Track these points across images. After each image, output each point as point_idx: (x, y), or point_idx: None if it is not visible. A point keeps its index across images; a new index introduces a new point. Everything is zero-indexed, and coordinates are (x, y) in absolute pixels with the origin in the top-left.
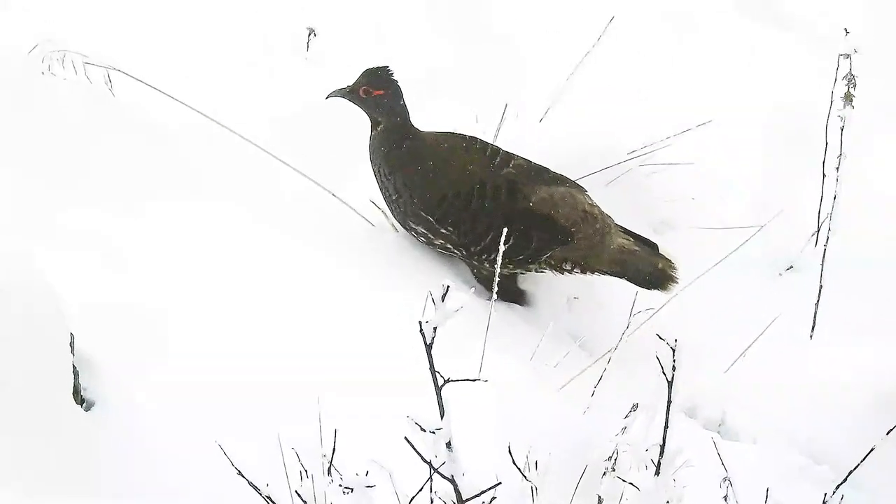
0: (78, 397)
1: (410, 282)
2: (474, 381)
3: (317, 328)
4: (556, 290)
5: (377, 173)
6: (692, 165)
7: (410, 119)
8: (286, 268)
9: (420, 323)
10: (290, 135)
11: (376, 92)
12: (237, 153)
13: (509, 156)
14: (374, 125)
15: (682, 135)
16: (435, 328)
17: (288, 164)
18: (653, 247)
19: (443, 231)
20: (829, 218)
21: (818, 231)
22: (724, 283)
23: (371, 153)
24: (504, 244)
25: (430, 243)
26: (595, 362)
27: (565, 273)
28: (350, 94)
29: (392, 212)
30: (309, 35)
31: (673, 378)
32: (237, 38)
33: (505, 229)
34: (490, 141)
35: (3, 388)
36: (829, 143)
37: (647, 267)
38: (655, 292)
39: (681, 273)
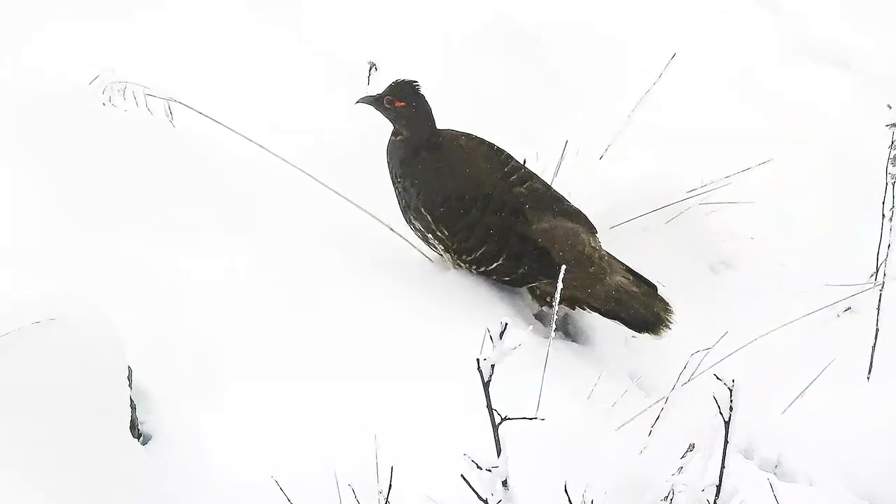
0: (135, 431)
1: (468, 318)
2: (532, 419)
3: (374, 363)
4: (614, 328)
5: (391, 173)
6: (752, 204)
7: (434, 131)
8: (344, 303)
9: (478, 360)
10: (348, 168)
11: (398, 104)
12: (295, 185)
13: (528, 176)
14: (396, 133)
15: (742, 174)
16: (493, 366)
17: (346, 198)
18: (653, 289)
19: (438, 233)
20: (887, 259)
21: (877, 272)
22: (781, 322)
23: (388, 156)
24: (493, 263)
25: (425, 241)
26: (654, 403)
27: (547, 305)
28: (375, 102)
29: (399, 204)
30: (370, 69)
31: (730, 418)
32: (297, 70)
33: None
34: (550, 179)
35: (62, 422)
36: (890, 183)
37: (643, 309)
38: (646, 335)
39: (676, 318)
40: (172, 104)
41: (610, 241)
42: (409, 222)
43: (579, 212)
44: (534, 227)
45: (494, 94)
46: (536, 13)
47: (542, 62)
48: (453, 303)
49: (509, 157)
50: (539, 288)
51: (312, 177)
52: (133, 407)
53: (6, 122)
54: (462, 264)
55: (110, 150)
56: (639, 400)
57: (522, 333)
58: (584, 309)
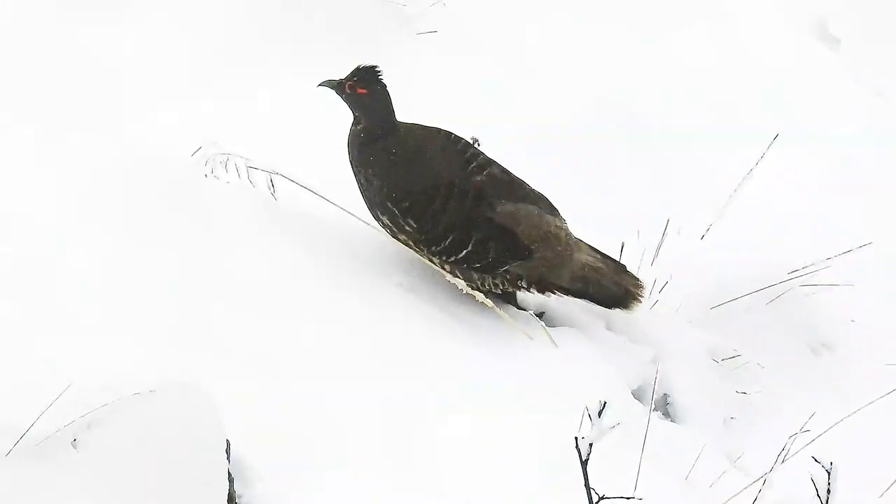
0: None
1: (566, 395)
2: (629, 499)
3: (470, 446)
4: (712, 408)
5: (351, 165)
6: (852, 287)
7: (392, 121)
8: (448, 377)
9: (576, 439)
10: None
11: (360, 90)
12: (397, 259)
13: (487, 163)
14: (356, 121)
15: (843, 256)
16: (591, 444)
17: (446, 272)
18: (620, 266)
19: (406, 227)
20: None
21: None
22: (882, 406)
23: (348, 146)
24: (462, 250)
25: (394, 236)
26: (752, 483)
27: (521, 290)
28: (337, 86)
29: (364, 201)
30: (474, 143)
31: (828, 501)
32: None
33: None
34: (651, 258)
35: (160, 495)
36: None
37: (612, 285)
38: (617, 311)
39: (645, 292)
40: (275, 177)
41: (712, 320)
42: (376, 218)
43: (541, 195)
44: (497, 210)
45: (594, 170)
46: (639, 93)
47: (643, 140)
48: (552, 380)
49: (467, 144)
50: (510, 272)
51: (415, 250)
52: (231, 480)
53: (112, 193)
54: (434, 257)
55: (212, 222)
56: (736, 481)
57: (619, 408)
58: (553, 293)
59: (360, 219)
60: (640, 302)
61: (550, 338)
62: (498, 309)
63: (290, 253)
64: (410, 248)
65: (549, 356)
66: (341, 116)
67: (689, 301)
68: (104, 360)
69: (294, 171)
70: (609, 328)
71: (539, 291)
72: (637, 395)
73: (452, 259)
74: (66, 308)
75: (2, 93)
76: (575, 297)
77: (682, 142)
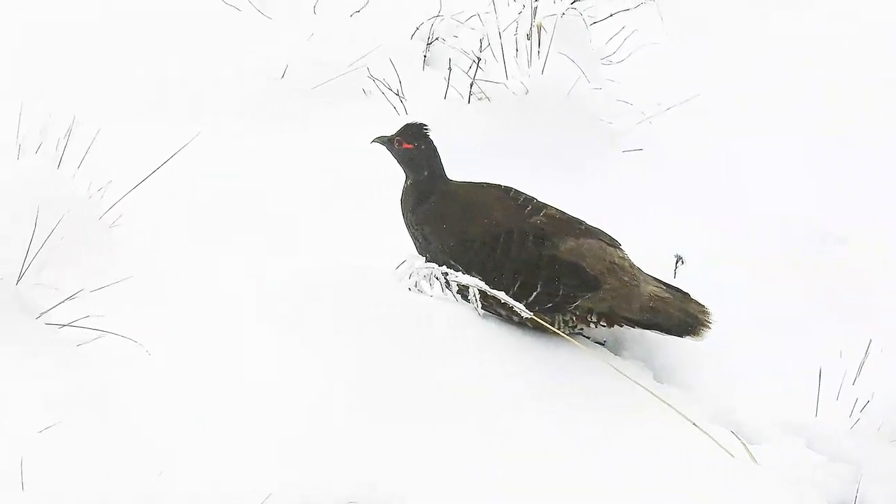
0: None
1: None
2: None
3: None
4: None
5: (407, 224)
6: None
7: (441, 176)
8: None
9: None
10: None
11: (405, 145)
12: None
13: (542, 206)
14: (406, 178)
15: None
16: None
17: (664, 400)
18: (685, 294)
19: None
20: None
21: None
22: None
23: (401, 205)
24: (531, 293)
25: (460, 291)
26: None
27: (591, 325)
28: (388, 143)
29: (424, 258)
30: (677, 262)
31: None
32: None
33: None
34: (852, 379)
35: None
36: None
37: (680, 313)
38: (688, 339)
39: (713, 318)
40: (477, 290)
41: None
42: None
43: (600, 230)
44: (560, 248)
45: (793, 292)
46: (841, 214)
47: (843, 263)
48: None
49: (518, 192)
50: (580, 307)
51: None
52: None
53: (323, 304)
54: (501, 311)
55: (415, 337)
56: None
57: None
58: (621, 325)
59: (567, 338)
60: (710, 328)
61: (751, 454)
62: (699, 426)
63: (494, 368)
64: (477, 303)
65: (749, 473)
66: None
67: (892, 420)
68: (307, 475)
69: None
70: (809, 446)
71: (608, 325)
72: None
73: (522, 304)
74: (268, 418)
75: (218, 221)
76: (645, 327)
77: (880, 257)
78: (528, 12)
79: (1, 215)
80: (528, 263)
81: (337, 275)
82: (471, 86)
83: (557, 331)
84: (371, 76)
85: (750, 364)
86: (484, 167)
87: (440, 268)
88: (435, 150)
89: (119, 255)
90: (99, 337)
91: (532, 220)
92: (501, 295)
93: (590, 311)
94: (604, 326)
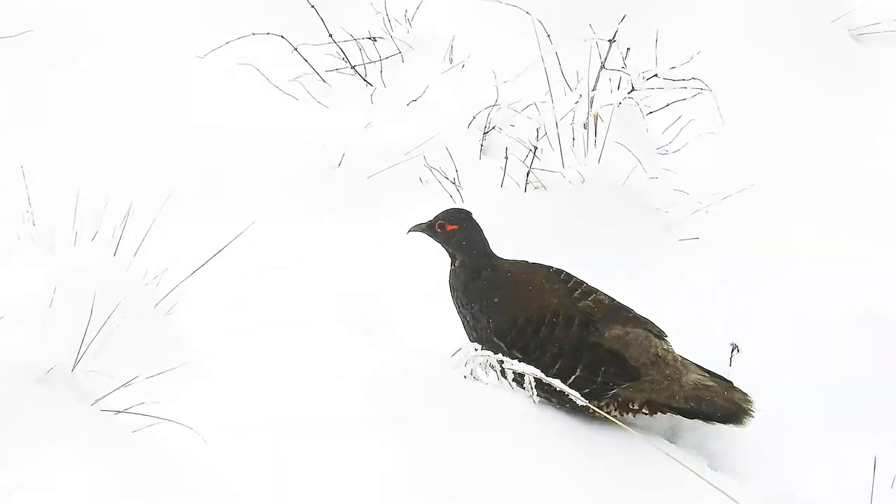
0: None
1: None
2: None
3: None
4: None
5: (456, 303)
6: None
7: (490, 253)
8: None
9: None
10: None
11: (450, 227)
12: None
13: (592, 290)
14: (452, 260)
15: None
16: None
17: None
18: (728, 382)
19: (514, 359)
20: None
21: None
22: None
23: (450, 287)
24: (570, 376)
25: (502, 374)
26: None
27: (631, 413)
28: (427, 229)
29: (469, 337)
30: (732, 350)
31: None
32: None
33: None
34: None
35: None
36: None
37: (724, 402)
38: (731, 427)
39: (756, 406)
40: (533, 378)
41: None
42: None
43: (647, 319)
44: (605, 335)
45: (851, 381)
46: None
47: None
48: None
49: (569, 275)
50: (619, 395)
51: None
52: None
53: (384, 395)
54: (540, 392)
55: (473, 426)
56: None
57: None
58: (664, 412)
59: (623, 426)
60: (753, 416)
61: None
62: None
63: (549, 450)
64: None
65: None
66: None
67: None
68: None
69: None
70: None
71: (650, 413)
72: None
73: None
74: None
75: (272, 309)
76: (688, 416)
77: None
78: (584, 102)
79: (58, 302)
80: (569, 347)
81: (398, 364)
82: (527, 174)
83: (616, 420)
84: (427, 165)
85: (805, 452)
86: (540, 255)
87: (496, 356)
88: (480, 228)
89: (175, 343)
90: (154, 424)
91: (580, 304)
92: (557, 383)
93: (630, 401)
94: (645, 414)
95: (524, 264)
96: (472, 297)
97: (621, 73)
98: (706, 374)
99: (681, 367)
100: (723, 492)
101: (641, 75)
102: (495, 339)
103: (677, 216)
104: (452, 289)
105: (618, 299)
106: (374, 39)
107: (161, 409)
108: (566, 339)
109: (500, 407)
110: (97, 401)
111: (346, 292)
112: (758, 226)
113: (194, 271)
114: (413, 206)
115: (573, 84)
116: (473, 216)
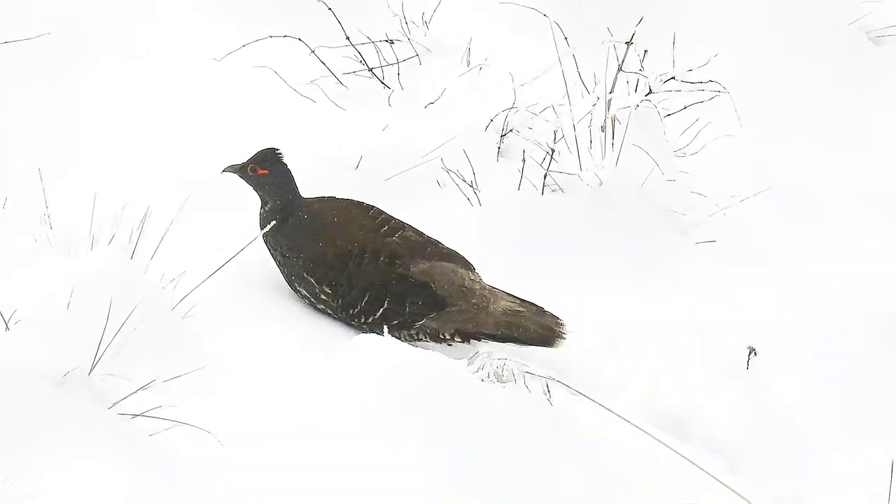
0: None
1: None
2: None
3: None
4: None
5: (267, 246)
6: None
7: (299, 195)
8: None
9: None
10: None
11: (260, 171)
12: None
13: (400, 226)
14: (263, 204)
15: None
16: None
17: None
18: (540, 308)
19: (322, 295)
20: None
21: None
22: None
23: (260, 229)
24: (378, 309)
25: (313, 307)
26: None
27: (444, 343)
28: (240, 170)
29: (283, 276)
30: (749, 354)
31: None
32: (678, 352)
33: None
34: None
35: None
36: None
37: (535, 326)
38: (544, 349)
39: (568, 329)
40: (550, 382)
41: None
42: (295, 291)
43: (455, 252)
44: (412, 268)
45: (869, 384)
46: None
47: None
48: None
49: (379, 211)
50: (428, 325)
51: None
52: None
53: (395, 402)
54: (352, 321)
55: (491, 427)
56: None
57: None
58: (478, 340)
59: (639, 428)
60: (565, 339)
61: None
62: None
63: (561, 460)
64: (328, 315)
65: None
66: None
67: None
68: None
69: (572, 377)
70: None
71: (464, 341)
72: None
73: (370, 320)
74: None
75: (290, 312)
76: (501, 342)
77: None
78: (602, 104)
79: (75, 305)
80: (377, 281)
81: (413, 365)
82: (544, 177)
83: (629, 420)
84: (445, 167)
85: (820, 453)
86: (557, 257)
87: (513, 359)
88: (290, 172)
89: (191, 346)
90: (171, 427)
91: (388, 240)
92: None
93: (439, 330)
94: (459, 342)
95: (333, 201)
96: (281, 240)
97: (638, 76)
98: (517, 301)
99: (489, 296)
100: (735, 491)
101: (659, 78)
102: (306, 276)
103: (694, 219)
104: (261, 232)
105: (427, 234)
106: (392, 42)
107: (178, 412)
108: (374, 274)
109: (516, 410)
110: (114, 404)
111: None
112: (775, 228)
113: (211, 274)
114: (431, 209)
115: (590, 86)
116: (283, 159)
